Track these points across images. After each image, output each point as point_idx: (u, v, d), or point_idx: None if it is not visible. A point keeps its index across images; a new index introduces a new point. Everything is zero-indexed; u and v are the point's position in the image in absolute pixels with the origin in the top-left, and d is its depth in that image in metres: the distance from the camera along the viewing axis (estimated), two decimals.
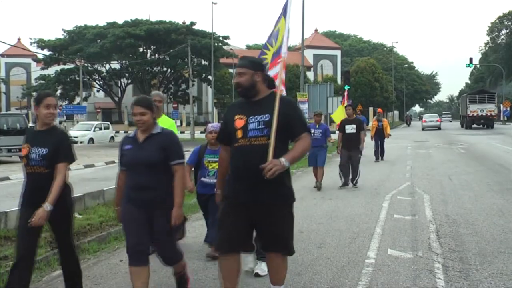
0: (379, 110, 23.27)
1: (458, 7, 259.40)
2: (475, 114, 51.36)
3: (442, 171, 16.28)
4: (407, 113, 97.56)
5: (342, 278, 5.86)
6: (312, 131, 11.79)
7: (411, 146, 29.01)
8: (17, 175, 16.42)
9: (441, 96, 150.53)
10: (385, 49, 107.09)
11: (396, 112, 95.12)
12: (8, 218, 8.20)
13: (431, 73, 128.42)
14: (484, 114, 50.84)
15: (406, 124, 76.19)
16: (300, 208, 10.27)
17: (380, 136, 20.81)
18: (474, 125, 52.00)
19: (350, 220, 8.99)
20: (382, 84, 65.65)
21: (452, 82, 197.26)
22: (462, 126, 56.16)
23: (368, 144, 19.14)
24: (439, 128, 52.88)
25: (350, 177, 13.24)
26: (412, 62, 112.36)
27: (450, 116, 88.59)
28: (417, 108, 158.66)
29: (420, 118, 76.56)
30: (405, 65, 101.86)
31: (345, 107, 14.04)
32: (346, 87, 31.87)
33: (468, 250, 6.92)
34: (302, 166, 17.05)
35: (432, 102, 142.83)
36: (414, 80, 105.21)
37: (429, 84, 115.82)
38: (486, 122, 51.24)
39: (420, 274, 5.93)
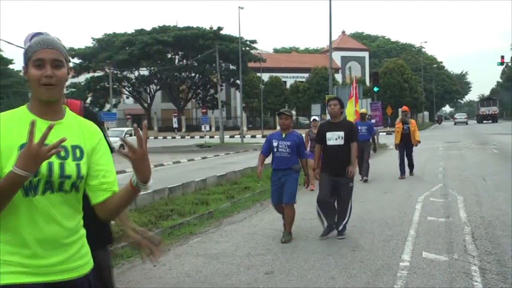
0: (405, 108, 16.59)
1: (488, 4, 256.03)
2: (484, 113, 75.35)
3: (475, 172, 16.03)
4: (438, 113, 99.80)
5: (376, 281, 5.81)
6: (276, 143, 7.91)
7: (443, 146, 28.68)
8: None
9: (472, 96, 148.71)
10: (413, 49, 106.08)
11: (426, 113, 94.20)
12: None
13: (461, 72, 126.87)
14: (490, 113, 74.73)
15: (438, 123, 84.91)
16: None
17: (406, 143, 15.61)
18: (484, 121, 73.46)
19: (383, 222, 8.91)
20: (411, 85, 65.09)
21: (484, 81, 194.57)
22: (477, 122, 76.71)
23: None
24: (466, 123, 73.45)
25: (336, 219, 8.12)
26: (441, 62, 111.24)
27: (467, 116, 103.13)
28: (447, 108, 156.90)
29: (447, 119, 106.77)
30: (434, 65, 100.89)
31: (328, 101, 8.33)
32: (376, 89, 31.74)
33: (505, 252, 6.79)
34: None
35: (462, 102, 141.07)
36: (443, 80, 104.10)
37: (459, 84, 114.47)
38: (492, 119, 74.12)
39: (457, 277, 5.84)
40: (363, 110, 17.01)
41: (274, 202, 8.14)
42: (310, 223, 9.00)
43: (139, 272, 6.54)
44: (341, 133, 7.86)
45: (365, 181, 14.52)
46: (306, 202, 10.76)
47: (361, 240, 7.72)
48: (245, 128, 55.95)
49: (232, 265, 6.61)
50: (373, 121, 29.48)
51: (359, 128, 14.93)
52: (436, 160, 20.72)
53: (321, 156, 8.12)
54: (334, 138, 7.89)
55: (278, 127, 8.02)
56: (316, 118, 14.65)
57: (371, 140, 15.37)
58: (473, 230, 8.11)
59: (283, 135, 7.92)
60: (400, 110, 16.12)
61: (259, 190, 12.89)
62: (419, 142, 16.04)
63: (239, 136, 47.68)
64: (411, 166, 15.82)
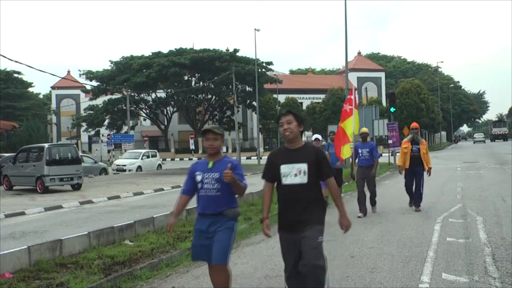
0: (415, 124, 13.61)
1: (505, 23, 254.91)
2: (496, 133, 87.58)
3: (495, 192, 15.86)
4: (455, 133, 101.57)
5: None
6: (199, 177, 5.39)
7: (461, 167, 28.43)
8: (69, 204, 16.83)
9: (490, 115, 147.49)
10: (430, 69, 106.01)
11: (444, 133, 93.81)
12: (63, 246, 8.39)
13: (479, 92, 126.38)
14: (501, 133, 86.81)
15: (454, 143, 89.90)
16: (350, 233, 10.07)
17: (415, 167, 12.77)
18: (496, 140, 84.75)
19: (401, 243, 8.85)
20: (428, 105, 64.79)
21: (502, 100, 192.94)
22: (490, 140, 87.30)
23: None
24: (484, 141, 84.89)
25: None
26: (458, 82, 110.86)
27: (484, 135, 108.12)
28: (464, 128, 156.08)
29: (464, 138, 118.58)
30: (451, 85, 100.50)
31: (279, 117, 5.29)
32: (392, 109, 31.70)
33: None
34: (351, 190, 16.92)
35: (480, 121, 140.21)
36: (461, 99, 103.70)
37: (477, 103, 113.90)
38: (502, 138, 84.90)
39: None
40: (364, 130, 13.57)
41: (194, 257, 5.54)
42: (328, 245, 8.94)
43: None
44: (303, 166, 5.05)
45: (373, 211, 12.60)
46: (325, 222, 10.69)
47: (379, 261, 7.67)
48: (261, 150, 55.91)
49: (251, 287, 6.61)
50: (390, 141, 29.52)
51: (360, 151, 12.85)
52: (455, 180, 20.55)
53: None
54: (293, 173, 5.07)
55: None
56: (319, 137, 12.35)
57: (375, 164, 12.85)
58: (493, 251, 8.03)
59: (210, 164, 5.37)
60: (410, 127, 13.31)
61: (276, 212, 12.86)
62: (430, 168, 13.02)
63: (256, 157, 47.68)
64: (418, 197, 12.89)
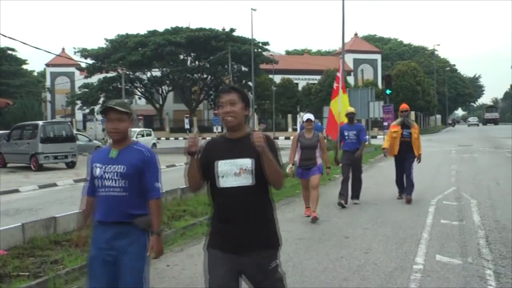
0: (405, 106, 12.03)
1: (502, 5, 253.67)
2: (488, 118, 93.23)
3: (489, 176, 15.90)
4: (451, 116, 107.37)
5: (390, 284, 5.79)
6: (99, 170, 3.99)
7: (455, 150, 28.46)
8: (63, 181, 16.81)
9: (485, 99, 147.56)
10: (426, 52, 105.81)
11: (439, 116, 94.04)
12: (57, 223, 8.37)
13: (474, 75, 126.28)
14: (492, 118, 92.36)
15: (452, 126, 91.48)
16: (345, 214, 10.22)
17: (405, 154, 11.47)
18: (488, 124, 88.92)
19: (396, 225, 8.87)
20: (424, 88, 64.75)
21: (497, 84, 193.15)
22: (482, 124, 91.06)
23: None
24: (478, 125, 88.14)
25: None
26: (454, 65, 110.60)
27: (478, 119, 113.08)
28: (459, 112, 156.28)
29: (458, 122, 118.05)
30: (447, 68, 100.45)
31: (218, 95, 3.65)
32: (388, 92, 31.63)
33: None
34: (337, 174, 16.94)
35: (475, 105, 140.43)
36: (456, 83, 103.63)
37: (472, 87, 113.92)
38: (493, 122, 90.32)
39: (471, 281, 5.82)
40: (350, 109, 12.14)
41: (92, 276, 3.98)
42: (323, 225, 8.98)
43: (152, 272, 6.51)
44: (247, 162, 3.52)
45: (354, 203, 11.28)
46: (320, 203, 10.71)
47: (374, 242, 7.69)
48: (256, 130, 55.78)
49: None
50: (385, 124, 29.49)
51: (346, 133, 11.50)
52: (449, 163, 20.58)
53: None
54: (233, 172, 3.51)
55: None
56: (311, 117, 9.75)
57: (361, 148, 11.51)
58: (487, 233, 8.07)
59: (113, 152, 3.98)
60: (412, 113, 12.68)
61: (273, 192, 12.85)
62: (420, 155, 11.59)
63: None
64: (409, 186, 11.49)
